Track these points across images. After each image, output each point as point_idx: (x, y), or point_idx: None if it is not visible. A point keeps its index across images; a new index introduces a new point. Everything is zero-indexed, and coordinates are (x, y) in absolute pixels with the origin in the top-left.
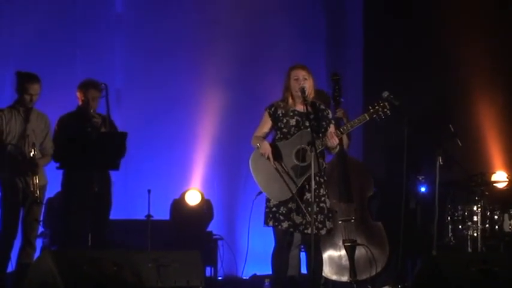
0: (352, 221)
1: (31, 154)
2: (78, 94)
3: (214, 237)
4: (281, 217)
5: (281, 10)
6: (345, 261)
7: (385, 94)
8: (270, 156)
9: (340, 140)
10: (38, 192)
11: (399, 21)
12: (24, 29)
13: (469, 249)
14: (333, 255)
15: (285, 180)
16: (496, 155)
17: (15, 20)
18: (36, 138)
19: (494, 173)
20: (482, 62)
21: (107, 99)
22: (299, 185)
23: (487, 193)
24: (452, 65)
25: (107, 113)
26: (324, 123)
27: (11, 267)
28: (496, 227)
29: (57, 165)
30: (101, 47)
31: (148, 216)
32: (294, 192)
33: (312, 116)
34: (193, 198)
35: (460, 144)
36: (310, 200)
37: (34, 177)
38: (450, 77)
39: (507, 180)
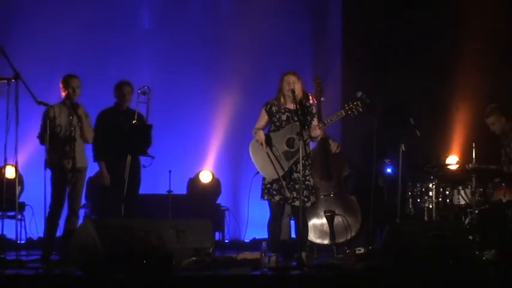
0: (332, 195)
1: (77, 136)
2: (114, 92)
3: (222, 208)
4: (274, 192)
5: (273, 15)
6: (326, 228)
7: (359, 94)
8: (263, 143)
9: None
10: (81, 161)
11: (375, 28)
12: (68, 39)
13: (426, 218)
14: (316, 223)
15: (274, 163)
16: (450, 141)
17: (61, 31)
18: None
19: (448, 156)
20: (442, 59)
21: (149, 99)
22: (288, 167)
23: (440, 173)
24: (415, 66)
25: (146, 110)
26: (308, 117)
27: (59, 232)
28: (448, 200)
29: (94, 156)
30: (131, 55)
31: (169, 191)
32: (283, 172)
33: (299, 112)
34: (205, 177)
35: (419, 134)
36: (297, 179)
37: (74, 145)
38: (413, 79)
39: (457, 163)
